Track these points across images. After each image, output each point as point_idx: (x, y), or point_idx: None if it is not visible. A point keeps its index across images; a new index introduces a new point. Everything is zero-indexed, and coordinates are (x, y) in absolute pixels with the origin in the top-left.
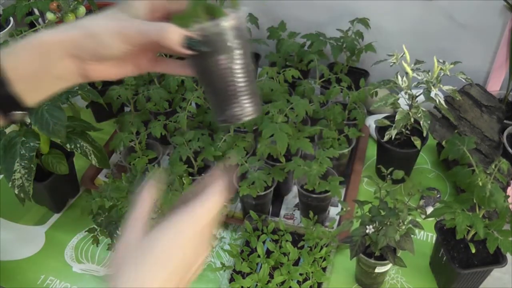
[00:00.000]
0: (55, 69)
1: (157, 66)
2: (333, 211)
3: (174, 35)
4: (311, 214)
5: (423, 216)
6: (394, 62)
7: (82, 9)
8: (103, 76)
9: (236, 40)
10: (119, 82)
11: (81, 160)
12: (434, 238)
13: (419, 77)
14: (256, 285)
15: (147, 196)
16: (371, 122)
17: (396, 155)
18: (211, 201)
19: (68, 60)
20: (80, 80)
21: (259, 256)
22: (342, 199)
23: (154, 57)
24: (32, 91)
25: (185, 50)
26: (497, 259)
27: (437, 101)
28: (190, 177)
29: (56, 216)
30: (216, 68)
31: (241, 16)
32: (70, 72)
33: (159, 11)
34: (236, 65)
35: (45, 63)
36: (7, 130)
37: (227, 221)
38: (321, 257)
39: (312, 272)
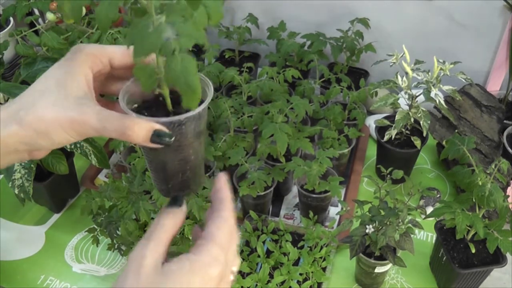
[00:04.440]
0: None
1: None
2: (333, 211)
3: (140, 132)
4: (311, 214)
5: (423, 216)
6: (394, 62)
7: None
8: (47, 153)
9: (201, 127)
10: None
11: (81, 160)
12: (434, 238)
13: (419, 77)
14: (256, 285)
15: (175, 220)
16: (371, 122)
17: (396, 155)
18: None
19: (14, 155)
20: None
21: (259, 256)
22: (342, 199)
23: None
24: None
25: (153, 145)
26: (497, 259)
27: (437, 101)
28: None
29: (56, 216)
30: (173, 157)
31: (211, 96)
32: (14, 161)
33: (102, 82)
34: (193, 151)
35: None
36: None
37: None
38: (321, 257)
39: (312, 272)
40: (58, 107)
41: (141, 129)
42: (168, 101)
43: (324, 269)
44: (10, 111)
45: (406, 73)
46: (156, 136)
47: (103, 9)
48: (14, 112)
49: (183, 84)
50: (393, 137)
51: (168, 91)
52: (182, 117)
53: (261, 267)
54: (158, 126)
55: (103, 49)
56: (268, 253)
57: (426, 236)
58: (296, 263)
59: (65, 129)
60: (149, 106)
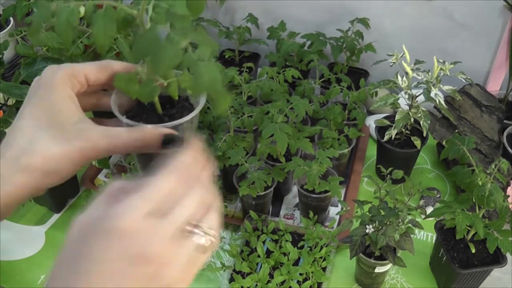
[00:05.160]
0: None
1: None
2: (333, 211)
3: (151, 141)
4: (311, 214)
5: (423, 216)
6: (394, 62)
7: (82, 10)
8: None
9: (197, 124)
10: None
11: None
12: (434, 238)
13: (419, 77)
14: (256, 285)
15: None
16: (371, 122)
17: (396, 155)
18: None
19: (20, 203)
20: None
21: (259, 256)
22: (342, 199)
23: None
24: None
25: (164, 150)
26: (497, 259)
27: (437, 101)
28: None
29: (56, 216)
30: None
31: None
32: (17, 206)
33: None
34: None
35: None
36: (7, 130)
37: (227, 221)
38: (321, 257)
39: (312, 272)
40: (61, 141)
41: (151, 137)
42: (158, 105)
43: (324, 269)
44: (8, 160)
45: (406, 73)
46: (167, 140)
47: (100, 28)
48: (13, 160)
49: (213, 92)
50: (393, 137)
51: (157, 97)
52: (189, 116)
53: (261, 267)
54: (168, 131)
55: (78, 67)
56: (268, 253)
57: (426, 236)
58: (296, 263)
59: (75, 160)
60: (138, 114)
